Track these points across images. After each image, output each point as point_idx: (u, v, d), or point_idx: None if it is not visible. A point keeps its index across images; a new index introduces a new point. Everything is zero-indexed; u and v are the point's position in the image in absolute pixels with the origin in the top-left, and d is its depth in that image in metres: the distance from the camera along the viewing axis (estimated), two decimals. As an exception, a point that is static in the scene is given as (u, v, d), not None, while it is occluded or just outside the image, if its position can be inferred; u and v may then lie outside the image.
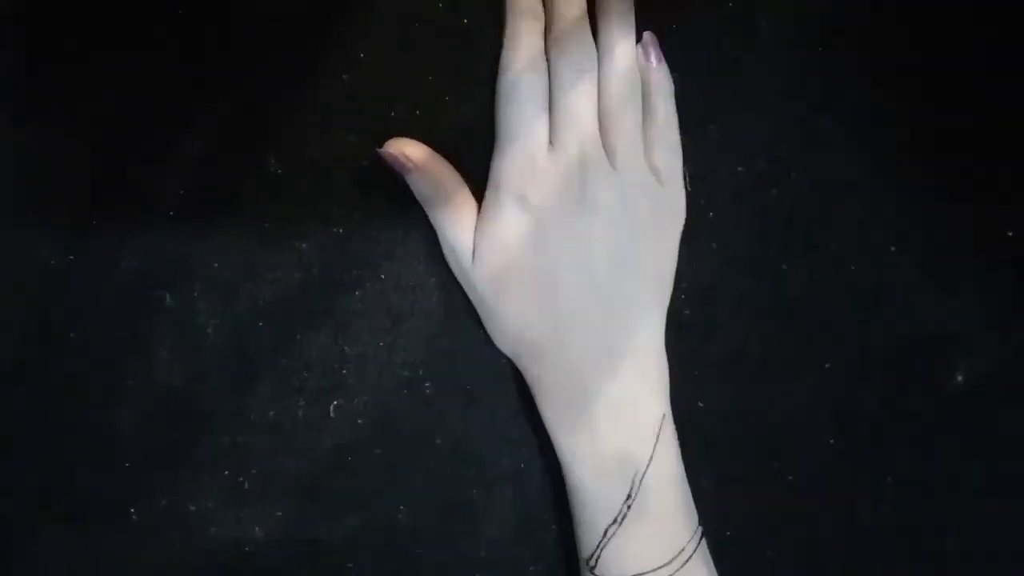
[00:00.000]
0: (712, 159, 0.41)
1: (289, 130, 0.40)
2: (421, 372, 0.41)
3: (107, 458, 0.41)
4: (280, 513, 0.41)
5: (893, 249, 0.42)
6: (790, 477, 0.42)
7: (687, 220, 0.40)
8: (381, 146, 0.38)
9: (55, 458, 0.41)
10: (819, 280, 0.42)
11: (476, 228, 0.39)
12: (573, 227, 0.37)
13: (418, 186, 0.39)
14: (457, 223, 0.39)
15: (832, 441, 0.42)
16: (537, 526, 0.42)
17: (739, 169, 0.41)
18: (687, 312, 0.41)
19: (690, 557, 0.37)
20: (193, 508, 0.41)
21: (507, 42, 0.39)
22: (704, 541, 0.38)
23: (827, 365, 0.41)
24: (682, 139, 0.40)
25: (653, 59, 0.39)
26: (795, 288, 0.41)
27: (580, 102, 0.37)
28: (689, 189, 0.40)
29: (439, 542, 0.42)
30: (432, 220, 0.39)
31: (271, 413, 0.41)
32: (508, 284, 0.38)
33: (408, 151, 0.38)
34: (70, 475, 0.41)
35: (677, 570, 0.37)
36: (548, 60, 0.38)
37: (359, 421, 0.41)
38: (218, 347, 0.41)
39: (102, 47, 0.40)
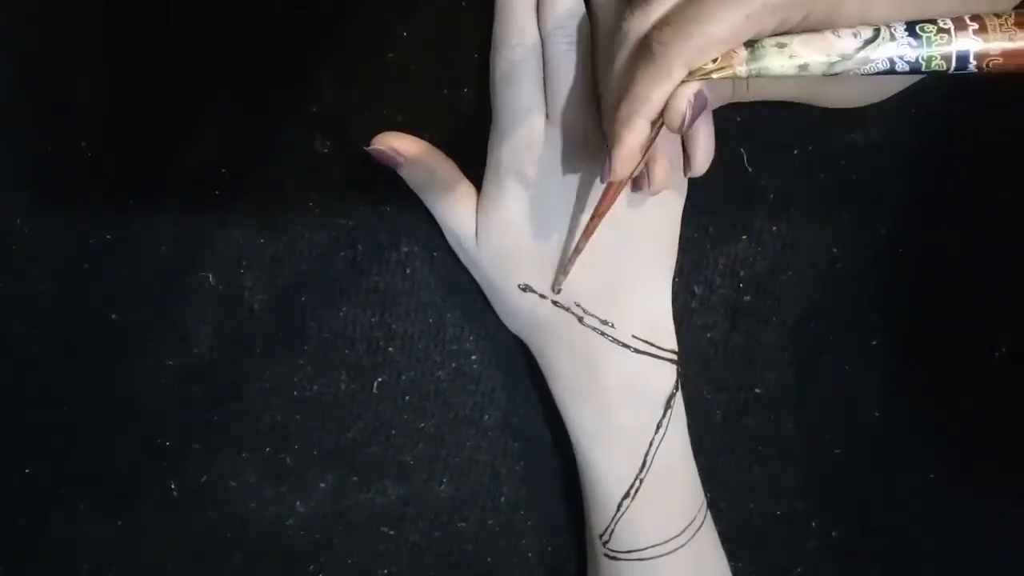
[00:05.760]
0: (769, 143, 0.41)
1: (335, 108, 0.39)
2: (468, 347, 0.41)
3: (147, 435, 0.40)
4: (322, 486, 0.41)
5: (942, 229, 0.42)
6: (837, 451, 0.43)
7: (753, 202, 0.40)
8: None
9: (96, 435, 0.40)
10: (870, 261, 0.42)
11: (478, 210, 0.38)
12: (575, 201, 0.37)
13: (412, 178, 0.38)
14: (457, 208, 0.38)
15: (879, 415, 0.43)
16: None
17: (795, 152, 0.41)
18: (748, 299, 0.42)
19: (700, 527, 0.38)
20: (234, 484, 0.41)
21: (498, 15, 0.37)
22: (709, 511, 0.39)
23: (874, 342, 0.42)
24: (740, 124, 0.39)
25: None
26: (847, 269, 0.42)
27: (575, 73, 0.36)
28: (750, 170, 0.40)
29: (482, 513, 0.42)
30: (431, 209, 0.39)
31: (314, 387, 0.41)
32: (513, 262, 0.38)
33: (397, 145, 0.37)
34: (111, 452, 0.40)
35: (689, 540, 0.38)
36: (540, 31, 0.36)
37: (406, 397, 0.41)
38: (262, 324, 0.40)
39: (141, 26, 0.38)
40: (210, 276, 0.39)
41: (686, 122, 0.30)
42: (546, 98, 0.37)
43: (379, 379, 0.41)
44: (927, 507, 0.44)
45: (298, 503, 0.41)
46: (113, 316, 0.39)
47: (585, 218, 0.36)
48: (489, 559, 0.43)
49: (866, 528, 0.44)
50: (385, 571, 0.42)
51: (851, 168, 0.41)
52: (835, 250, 0.42)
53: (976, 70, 0.29)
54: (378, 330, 0.40)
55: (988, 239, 0.42)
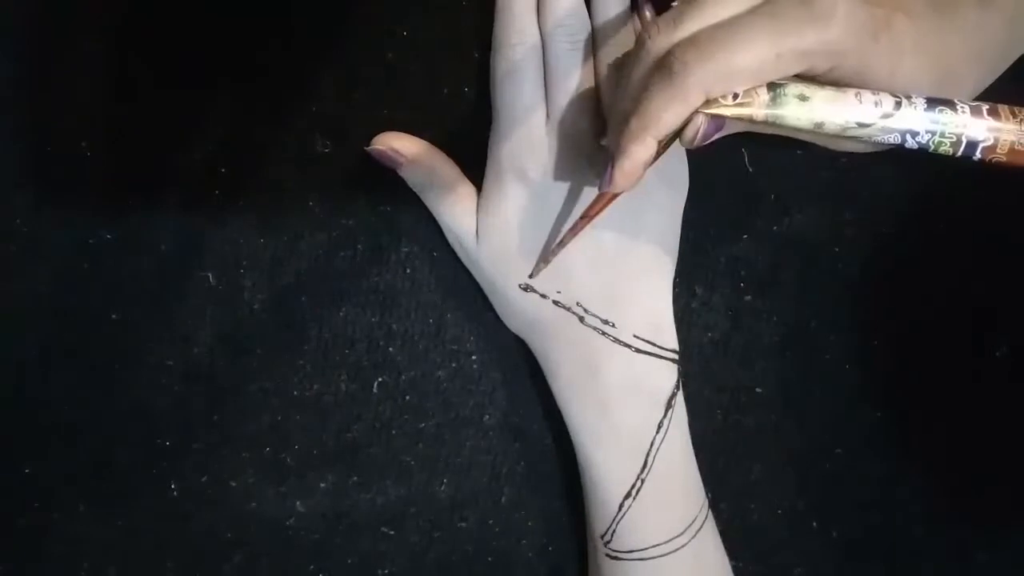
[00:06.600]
0: (770, 143, 0.40)
1: (335, 108, 0.39)
2: (469, 347, 0.41)
3: (147, 435, 0.40)
4: (322, 486, 0.41)
5: (942, 229, 0.42)
6: (838, 451, 0.43)
7: (753, 202, 0.40)
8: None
9: (96, 435, 0.40)
10: (870, 261, 0.42)
11: (478, 209, 0.38)
12: (575, 201, 0.37)
13: (412, 178, 0.38)
14: (457, 208, 0.38)
15: (879, 415, 0.43)
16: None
17: (796, 152, 0.41)
18: (748, 299, 0.42)
19: (701, 527, 0.38)
20: (234, 484, 0.41)
21: (498, 15, 0.37)
22: (710, 511, 0.39)
23: (875, 342, 0.42)
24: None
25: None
26: (847, 270, 0.42)
27: (576, 73, 0.36)
28: (751, 170, 0.40)
29: (483, 513, 0.42)
30: (431, 208, 0.39)
31: (314, 387, 0.41)
32: (513, 262, 0.38)
33: (397, 145, 0.37)
34: (110, 452, 0.40)
35: (690, 540, 0.38)
36: (540, 31, 0.36)
37: (406, 397, 0.41)
38: (262, 324, 0.40)
39: (141, 25, 0.38)
40: (210, 276, 0.39)
41: (698, 140, 0.30)
42: (546, 98, 0.37)
43: (379, 379, 0.41)
44: (927, 507, 0.44)
45: (298, 503, 0.41)
46: (113, 316, 0.39)
47: None
48: (489, 559, 0.43)
49: (866, 528, 0.44)
50: (385, 571, 0.42)
51: (851, 168, 0.41)
52: (835, 250, 0.42)
53: (979, 161, 0.30)
54: (378, 330, 0.40)
55: (987, 239, 0.42)
